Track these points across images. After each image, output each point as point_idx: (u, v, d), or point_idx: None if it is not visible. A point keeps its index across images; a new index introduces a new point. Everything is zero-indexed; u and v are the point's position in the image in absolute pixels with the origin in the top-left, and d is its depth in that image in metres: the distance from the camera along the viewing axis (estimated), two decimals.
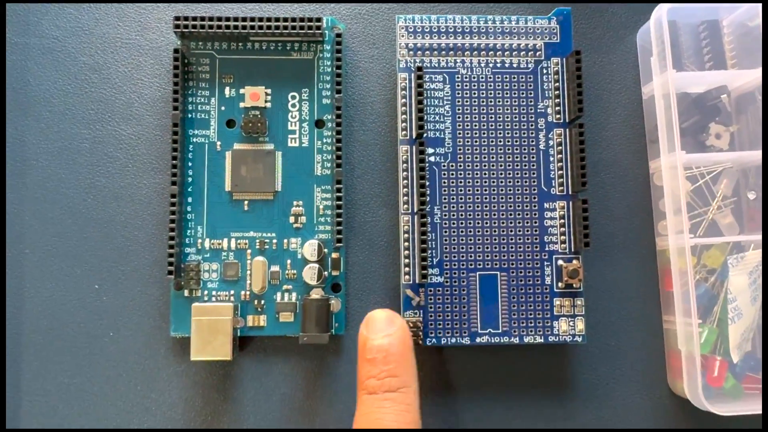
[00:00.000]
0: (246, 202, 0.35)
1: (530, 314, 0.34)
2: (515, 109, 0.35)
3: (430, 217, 0.34)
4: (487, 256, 0.35)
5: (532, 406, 0.35)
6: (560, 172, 0.35)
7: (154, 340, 0.35)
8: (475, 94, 0.35)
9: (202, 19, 0.35)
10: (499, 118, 0.35)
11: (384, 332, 0.31)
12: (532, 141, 0.35)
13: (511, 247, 0.35)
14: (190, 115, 0.35)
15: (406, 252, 0.34)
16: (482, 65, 0.36)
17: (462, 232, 0.35)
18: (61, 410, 0.34)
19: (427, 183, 0.34)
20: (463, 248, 0.34)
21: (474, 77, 0.35)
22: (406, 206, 0.35)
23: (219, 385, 0.35)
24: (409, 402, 0.29)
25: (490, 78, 0.36)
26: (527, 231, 0.35)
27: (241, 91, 0.36)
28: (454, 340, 0.34)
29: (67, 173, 0.36)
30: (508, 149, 0.35)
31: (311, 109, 0.36)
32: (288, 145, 0.36)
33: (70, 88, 0.36)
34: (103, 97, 0.36)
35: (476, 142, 0.35)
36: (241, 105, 0.36)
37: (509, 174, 0.35)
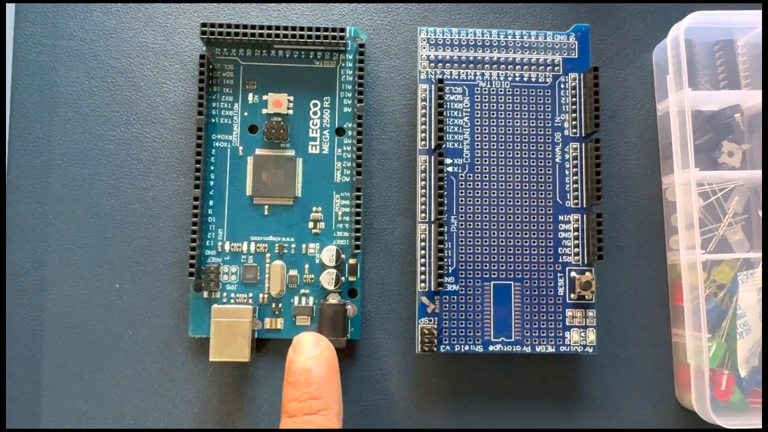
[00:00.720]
0: (266, 207, 0.36)
1: (542, 324, 0.35)
2: (532, 123, 0.36)
3: (446, 226, 0.35)
4: (502, 265, 0.35)
5: (541, 414, 0.36)
6: (575, 185, 0.36)
7: (172, 340, 0.36)
8: (493, 106, 0.36)
9: (228, 26, 0.35)
10: (517, 130, 0.36)
11: (308, 354, 0.31)
12: (549, 154, 0.36)
13: (526, 258, 0.35)
14: (213, 120, 0.36)
15: (423, 260, 0.35)
16: (501, 78, 0.36)
17: (477, 241, 0.35)
18: (79, 407, 0.35)
19: (445, 193, 0.35)
20: (478, 257, 0.35)
21: (493, 90, 0.36)
22: (423, 215, 0.35)
23: (235, 386, 0.36)
24: (329, 425, 0.29)
25: (508, 91, 0.36)
26: (541, 242, 0.35)
27: (264, 97, 0.36)
28: (467, 347, 0.35)
29: (91, 174, 0.36)
30: (525, 162, 0.36)
31: (332, 117, 0.37)
32: (309, 151, 0.36)
33: (96, 90, 0.37)
34: (128, 99, 0.37)
35: (494, 153, 0.36)
36: (264, 111, 0.36)
37: (525, 186, 0.36)
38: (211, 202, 0.36)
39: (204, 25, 0.35)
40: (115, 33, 0.37)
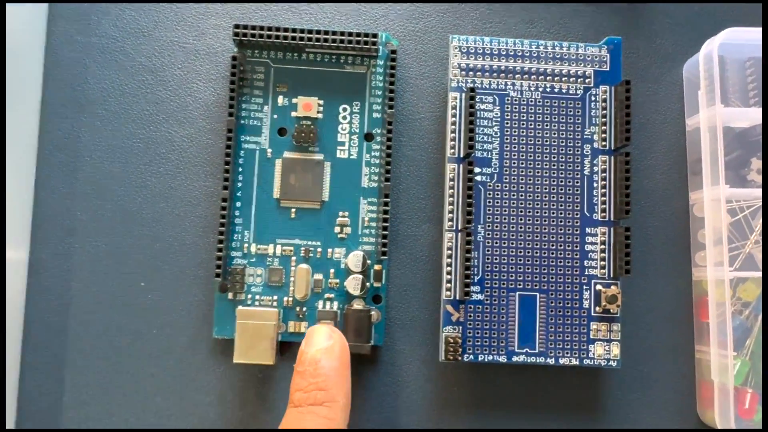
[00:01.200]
0: (293, 210, 0.36)
1: (567, 336, 0.35)
2: (562, 134, 0.36)
3: (473, 235, 0.35)
4: (528, 276, 0.35)
5: (562, 426, 0.36)
6: (603, 198, 0.36)
7: (196, 340, 0.36)
8: (524, 116, 0.36)
9: (261, 28, 0.35)
10: (546, 141, 0.36)
11: (319, 345, 0.31)
12: (577, 166, 0.36)
13: (552, 270, 0.35)
14: (243, 122, 0.36)
15: (449, 268, 0.35)
16: (532, 89, 0.36)
17: (504, 251, 0.35)
18: (101, 403, 0.35)
19: (473, 201, 0.35)
20: (504, 267, 0.35)
21: (523, 100, 0.36)
22: (450, 223, 0.35)
23: (257, 388, 0.35)
24: (333, 417, 0.29)
25: (539, 102, 0.36)
26: (568, 254, 0.35)
27: (294, 100, 0.36)
28: (491, 357, 0.35)
29: (119, 171, 0.36)
30: (553, 173, 0.36)
31: (361, 122, 0.37)
32: (337, 156, 0.36)
33: (126, 88, 0.37)
34: (158, 98, 0.37)
35: (522, 164, 0.36)
36: (293, 114, 0.36)
37: (553, 197, 0.36)
38: (238, 204, 0.36)
39: (237, 26, 0.35)
40: (147, 32, 0.37)
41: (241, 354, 0.34)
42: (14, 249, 0.34)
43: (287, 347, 0.36)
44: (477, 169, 0.35)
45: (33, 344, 0.35)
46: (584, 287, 0.35)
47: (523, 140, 0.36)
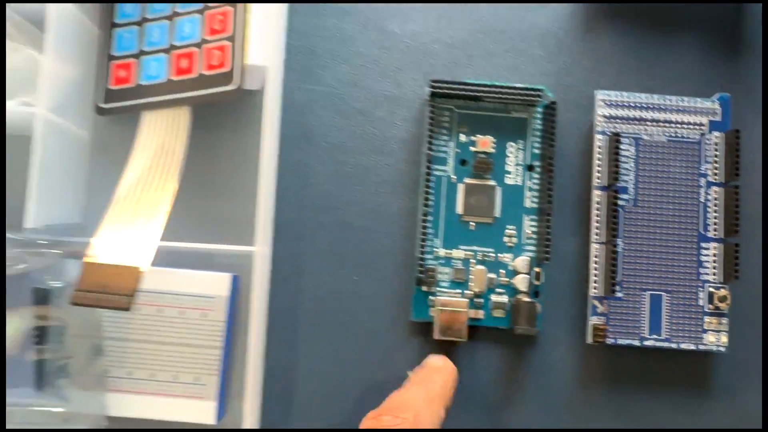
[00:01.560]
0: (473, 223, 0.46)
1: (686, 326, 0.45)
2: (683, 169, 0.46)
3: (615, 247, 0.45)
4: (656, 279, 0.45)
5: (678, 400, 0.46)
6: (715, 220, 0.46)
7: (396, 323, 0.46)
8: (654, 155, 0.46)
9: (450, 83, 0.46)
10: (671, 175, 0.46)
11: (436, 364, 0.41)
12: (696, 194, 0.46)
13: (674, 275, 0.45)
14: (433, 154, 0.47)
15: (595, 272, 0.45)
16: (660, 133, 0.46)
17: (638, 259, 0.45)
18: (324, 370, 0.45)
19: (616, 220, 0.45)
20: (638, 272, 0.45)
21: (653, 142, 0.46)
22: (597, 236, 0.45)
23: None
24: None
25: (665, 144, 0.46)
26: (687, 263, 0.45)
27: (473, 138, 0.47)
28: (627, 341, 0.45)
29: (338, 191, 0.47)
30: (677, 199, 0.46)
31: (524, 156, 0.47)
32: (506, 182, 0.47)
33: (342, 125, 0.48)
34: (366, 134, 0.48)
35: (653, 191, 0.46)
36: (472, 149, 0.47)
37: (676, 218, 0.46)
38: (430, 218, 0.46)
39: (434, 81, 0.46)
40: (358, 82, 0.48)
41: (440, 332, 0.44)
42: (261, 245, 0.44)
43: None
44: (618, 196, 0.46)
45: (274, 319, 0.46)
46: (700, 289, 0.45)
47: (653, 173, 0.46)
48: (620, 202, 0.46)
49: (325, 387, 0.46)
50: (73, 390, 0.41)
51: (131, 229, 0.40)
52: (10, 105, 0.41)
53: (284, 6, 0.48)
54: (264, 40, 0.44)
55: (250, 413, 0.41)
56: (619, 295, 0.45)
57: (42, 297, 0.41)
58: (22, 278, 0.41)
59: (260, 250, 0.42)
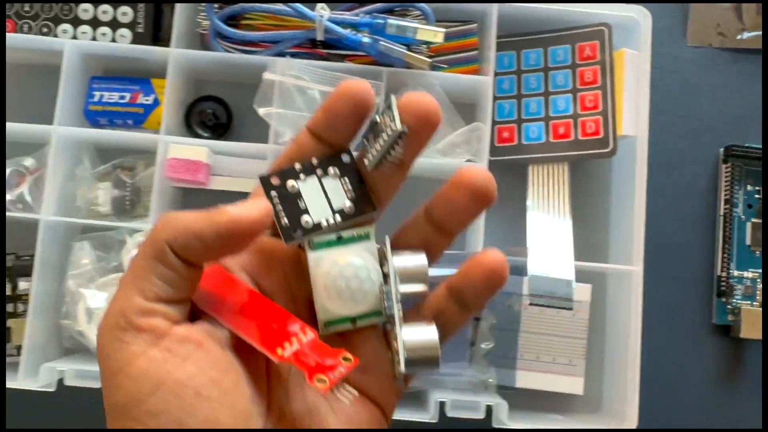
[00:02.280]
0: (757, 252, 0.63)
1: None
2: None
3: None
4: None
5: None
6: None
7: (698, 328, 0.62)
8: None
9: None
10: None
11: None
12: None
13: None
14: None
15: None
16: None
17: None
18: None
19: None
20: None
21: None
22: None
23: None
24: None
25: None
26: None
27: (757, 187, 0.63)
28: None
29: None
30: None
31: None
32: None
33: None
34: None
35: None
36: (757, 197, 0.63)
37: None
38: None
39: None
40: None
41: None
42: (636, 265, 0.60)
43: None
44: None
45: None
46: None
47: None
48: None
49: None
50: (491, 367, 0.58)
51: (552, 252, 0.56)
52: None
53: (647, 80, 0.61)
54: (633, 113, 0.59)
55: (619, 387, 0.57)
56: None
57: None
58: None
59: (636, 269, 0.58)
